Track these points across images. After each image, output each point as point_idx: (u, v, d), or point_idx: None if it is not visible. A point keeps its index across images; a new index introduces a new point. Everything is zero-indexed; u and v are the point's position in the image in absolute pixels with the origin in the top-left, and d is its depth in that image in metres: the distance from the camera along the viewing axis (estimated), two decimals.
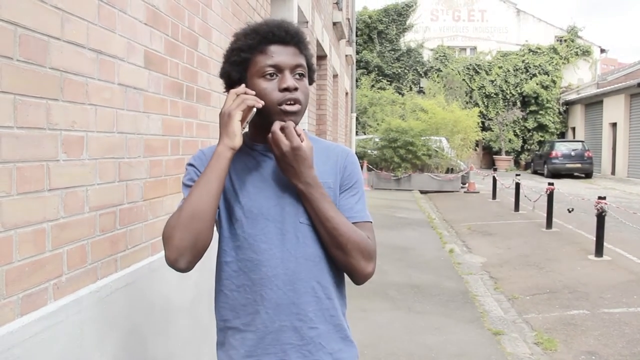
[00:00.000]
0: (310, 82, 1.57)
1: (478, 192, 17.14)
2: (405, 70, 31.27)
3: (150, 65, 2.36)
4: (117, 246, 2.09)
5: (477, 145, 24.73)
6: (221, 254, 1.54)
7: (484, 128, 27.58)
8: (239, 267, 1.50)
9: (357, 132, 20.94)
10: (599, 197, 7.88)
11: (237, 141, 1.41)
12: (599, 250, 7.79)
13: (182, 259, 1.37)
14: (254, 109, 1.42)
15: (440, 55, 31.16)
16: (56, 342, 1.66)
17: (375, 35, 31.64)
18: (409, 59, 31.42)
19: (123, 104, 2.11)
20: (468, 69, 30.71)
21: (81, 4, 1.81)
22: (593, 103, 27.55)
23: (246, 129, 1.53)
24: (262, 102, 1.42)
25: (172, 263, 1.38)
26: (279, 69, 1.46)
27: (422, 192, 17.30)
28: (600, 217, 7.72)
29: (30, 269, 1.57)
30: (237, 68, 1.49)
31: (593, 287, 6.41)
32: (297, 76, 1.48)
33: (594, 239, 7.94)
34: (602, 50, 31.97)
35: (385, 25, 31.71)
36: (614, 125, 24.90)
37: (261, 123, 1.49)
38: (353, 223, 1.51)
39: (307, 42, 1.55)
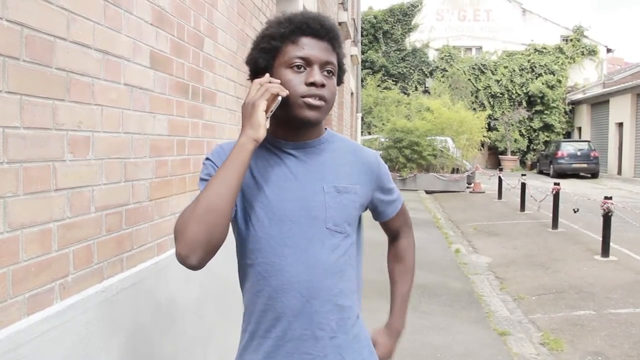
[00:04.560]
0: (339, 82, 1.49)
1: (484, 192, 17.09)
2: (411, 70, 31.21)
3: (156, 65, 2.36)
4: (123, 246, 2.09)
5: (482, 145, 24.65)
6: (242, 257, 1.48)
7: (490, 128, 27.46)
8: (258, 271, 1.43)
9: (362, 132, 20.93)
10: (605, 197, 7.86)
11: (262, 132, 1.32)
12: (605, 250, 7.76)
13: (194, 255, 1.27)
14: (279, 99, 1.35)
15: (445, 55, 31.08)
16: (62, 342, 1.66)
17: (381, 35, 31.59)
18: (415, 59, 31.36)
19: (129, 104, 2.12)
20: (473, 68, 30.62)
21: (87, 5, 1.81)
22: (599, 103, 27.42)
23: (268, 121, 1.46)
24: (287, 91, 1.35)
25: (183, 259, 1.28)
26: (308, 63, 1.39)
27: (427, 192, 17.28)
28: (607, 217, 7.69)
29: (37, 269, 1.58)
30: (265, 56, 1.42)
31: (599, 287, 6.38)
32: (326, 73, 1.41)
33: (600, 239, 7.91)
34: (609, 50, 31.82)
35: (390, 25, 31.66)
36: (620, 125, 24.77)
37: (283, 117, 1.42)
38: (396, 214, 1.65)
39: (341, 39, 1.48)
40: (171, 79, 2.52)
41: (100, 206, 1.92)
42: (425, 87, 30.37)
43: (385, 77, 30.36)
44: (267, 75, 1.39)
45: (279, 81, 1.37)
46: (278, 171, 1.45)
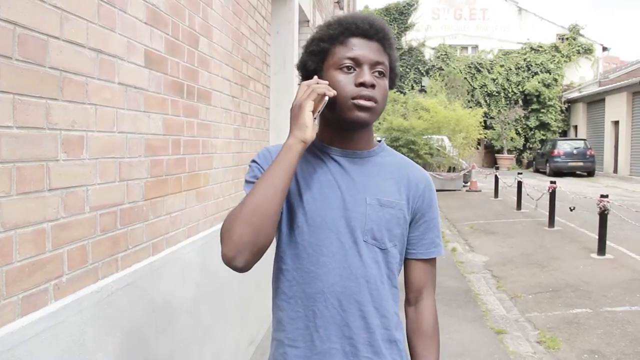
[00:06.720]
0: (392, 85, 1.45)
1: (480, 191, 17.12)
2: (407, 69, 31.24)
3: (151, 64, 2.35)
4: (117, 246, 2.08)
5: (479, 143, 24.67)
6: (278, 260, 1.45)
7: (486, 127, 27.49)
8: (293, 277, 1.40)
9: None
10: (602, 196, 7.87)
11: (309, 133, 1.29)
12: (602, 248, 7.78)
13: (240, 257, 1.26)
14: (326, 99, 1.32)
15: (441, 54, 31.12)
16: (57, 343, 1.66)
17: None
18: (411, 58, 31.39)
19: (123, 103, 2.11)
20: (470, 67, 30.67)
21: (80, 3, 1.80)
22: (595, 101, 27.50)
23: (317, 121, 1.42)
24: (334, 91, 1.32)
25: (229, 261, 1.27)
26: (357, 63, 1.35)
27: None
28: (603, 216, 7.71)
29: (31, 269, 1.57)
30: (314, 58, 1.40)
31: (596, 285, 6.39)
32: (377, 74, 1.37)
33: (597, 237, 7.93)
34: (604, 48, 31.88)
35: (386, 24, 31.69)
36: (616, 123, 24.85)
37: (331, 120, 1.40)
38: (429, 259, 1.49)
39: (393, 40, 1.44)
40: (166, 78, 2.51)
41: (94, 206, 1.91)
42: (421, 86, 30.40)
43: None
44: (315, 77, 1.37)
45: (326, 82, 1.34)
46: (322, 177, 1.42)
